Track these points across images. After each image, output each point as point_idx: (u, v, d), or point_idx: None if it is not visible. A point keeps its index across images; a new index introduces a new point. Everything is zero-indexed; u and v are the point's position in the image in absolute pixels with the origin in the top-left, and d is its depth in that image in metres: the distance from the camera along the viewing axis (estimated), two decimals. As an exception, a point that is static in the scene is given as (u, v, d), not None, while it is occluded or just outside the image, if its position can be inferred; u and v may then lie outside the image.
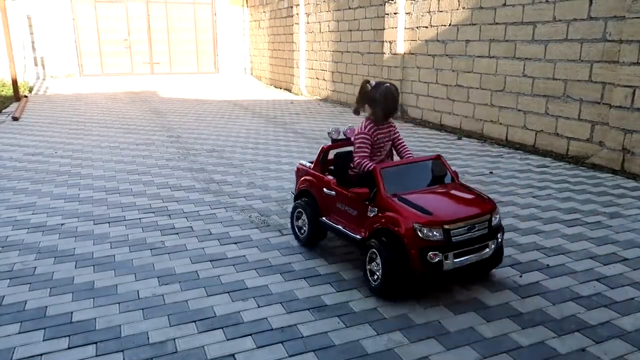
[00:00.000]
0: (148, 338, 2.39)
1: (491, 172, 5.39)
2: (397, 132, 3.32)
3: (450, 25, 7.80)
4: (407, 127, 8.27)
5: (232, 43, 17.48)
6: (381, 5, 9.48)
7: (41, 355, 2.27)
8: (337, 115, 9.68)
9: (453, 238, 2.61)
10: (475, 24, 7.31)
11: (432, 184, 2.98)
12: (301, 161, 3.66)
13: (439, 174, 3.01)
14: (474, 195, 2.89)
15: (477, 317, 2.58)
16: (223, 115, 9.65)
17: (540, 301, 2.74)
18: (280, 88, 14.74)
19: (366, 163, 3.04)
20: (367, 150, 3.13)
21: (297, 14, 12.99)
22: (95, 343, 2.36)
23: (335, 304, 2.71)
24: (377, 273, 2.73)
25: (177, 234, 3.70)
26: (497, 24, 6.92)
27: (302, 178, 3.48)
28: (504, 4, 6.75)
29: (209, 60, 17.52)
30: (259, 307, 2.68)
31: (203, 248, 3.44)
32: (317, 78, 12.61)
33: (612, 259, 3.26)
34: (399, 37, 8.97)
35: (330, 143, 3.49)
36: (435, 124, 8.36)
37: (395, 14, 8.92)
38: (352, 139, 3.25)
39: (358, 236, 2.94)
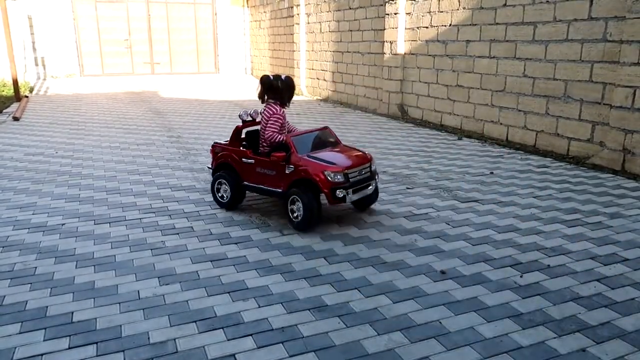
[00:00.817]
0: (149, 338, 2.40)
1: (492, 173, 5.39)
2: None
3: (450, 25, 7.80)
4: (407, 128, 8.27)
5: (233, 43, 17.50)
6: (381, 5, 9.48)
7: (42, 355, 2.28)
8: (337, 115, 9.68)
9: (350, 179, 3.70)
10: (475, 24, 7.31)
11: (326, 146, 4.00)
12: (215, 140, 4.40)
13: (329, 139, 4.09)
14: (357, 151, 4.05)
15: (478, 317, 2.58)
16: (223, 115, 9.65)
17: (540, 301, 2.74)
18: (281, 88, 14.72)
19: (277, 136, 3.94)
20: (279, 127, 4.00)
21: (298, 14, 13.00)
22: (96, 343, 2.36)
23: (335, 304, 2.71)
24: (298, 213, 3.73)
25: (178, 234, 3.70)
26: (497, 24, 6.92)
27: (220, 154, 4.23)
28: (505, 4, 6.75)
29: (210, 60, 17.53)
30: (259, 307, 2.68)
31: (203, 248, 3.44)
32: (317, 78, 12.62)
33: (613, 259, 3.27)
34: (400, 38, 8.97)
35: (241, 124, 4.32)
36: (436, 124, 8.36)
37: (395, 14, 8.92)
38: (262, 118, 4.06)
39: (279, 190, 3.87)
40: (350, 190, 3.68)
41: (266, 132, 3.97)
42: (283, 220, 3.96)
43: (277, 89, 4.04)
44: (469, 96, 7.62)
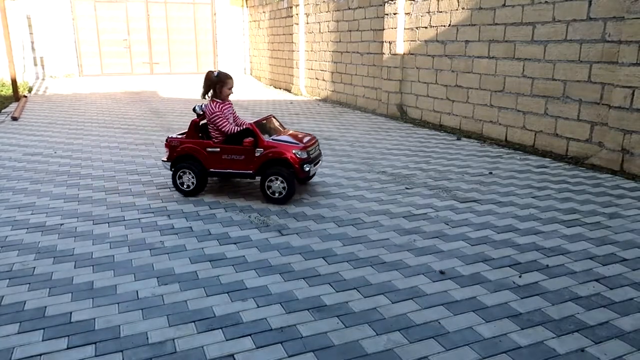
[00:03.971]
0: (147, 338, 2.39)
1: (491, 173, 5.40)
2: (234, 109, 4.70)
3: (449, 25, 7.81)
4: (406, 128, 8.27)
5: (232, 43, 17.49)
6: (381, 5, 9.49)
7: (40, 355, 2.27)
8: (336, 115, 9.69)
9: (310, 155, 4.36)
10: (474, 25, 7.32)
11: (277, 131, 4.55)
12: (170, 135, 4.68)
13: (278, 125, 4.65)
14: (306, 133, 4.68)
15: (477, 317, 2.58)
16: (222, 115, 9.63)
17: (539, 301, 2.74)
18: (280, 88, 14.74)
19: (232, 128, 4.39)
20: (226, 120, 4.41)
21: (297, 14, 13.00)
22: (95, 343, 2.35)
23: (334, 304, 2.71)
24: (277, 189, 4.26)
25: (177, 234, 3.70)
26: (496, 24, 6.93)
27: (180, 147, 4.50)
28: (504, 5, 6.75)
29: (209, 60, 17.53)
30: (258, 307, 2.68)
31: (202, 248, 3.44)
32: (316, 78, 12.62)
33: (611, 259, 3.27)
34: (399, 38, 8.98)
35: (196, 117, 4.64)
36: (435, 125, 8.37)
37: (394, 14, 8.92)
38: (208, 114, 4.42)
39: (249, 171, 4.35)
40: (311, 165, 4.36)
41: (223, 128, 4.37)
42: (282, 220, 3.96)
43: (218, 82, 4.44)
44: (468, 96, 7.63)
